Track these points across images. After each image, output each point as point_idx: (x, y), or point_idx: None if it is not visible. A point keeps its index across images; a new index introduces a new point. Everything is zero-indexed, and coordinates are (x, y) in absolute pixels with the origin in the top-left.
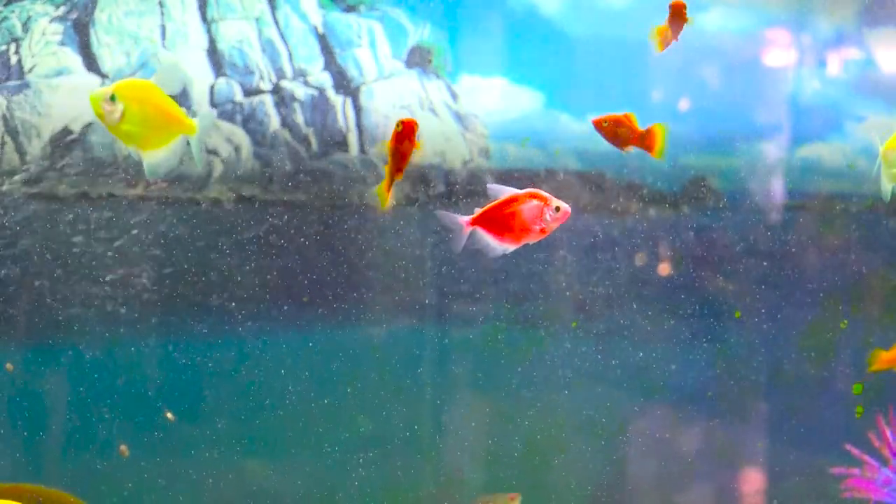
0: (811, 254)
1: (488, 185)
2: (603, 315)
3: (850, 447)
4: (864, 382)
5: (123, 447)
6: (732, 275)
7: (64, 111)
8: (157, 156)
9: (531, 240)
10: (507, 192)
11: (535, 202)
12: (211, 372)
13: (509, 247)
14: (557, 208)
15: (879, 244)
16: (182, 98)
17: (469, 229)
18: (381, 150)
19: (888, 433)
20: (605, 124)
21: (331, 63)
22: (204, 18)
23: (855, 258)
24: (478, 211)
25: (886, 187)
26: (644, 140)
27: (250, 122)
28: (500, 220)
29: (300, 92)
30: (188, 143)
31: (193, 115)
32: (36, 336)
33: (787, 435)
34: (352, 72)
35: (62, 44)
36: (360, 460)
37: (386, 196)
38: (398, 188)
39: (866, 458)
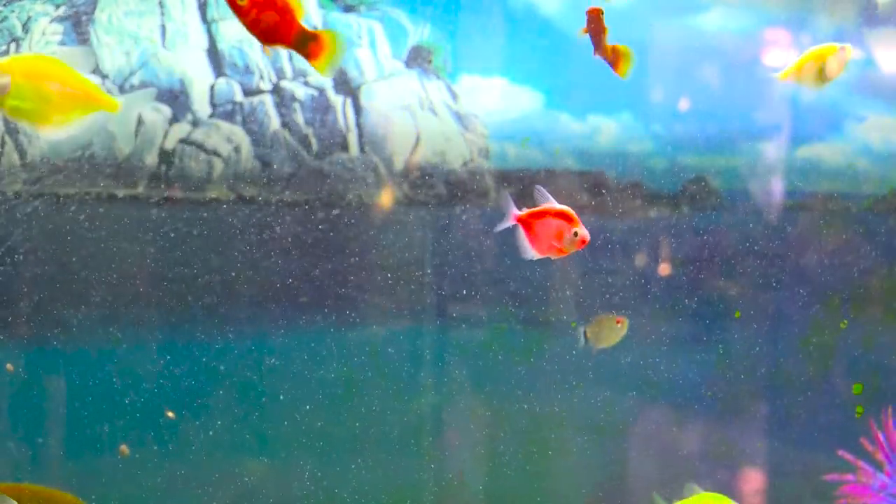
0: (811, 254)
1: (536, 186)
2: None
3: (843, 453)
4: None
5: (124, 447)
6: (732, 274)
7: None
8: (59, 133)
9: (551, 254)
10: (548, 202)
11: (562, 221)
12: (210, 372)
13: (536, 255)
14: (576, 233)
15: (879, 244)
16: (182, 98)
17: (513, 223)
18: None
19: (882, 437)
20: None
21: None
22: (204, 18)
23: (855, 258)
24: (525, 210)
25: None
26: (611, 56)
27: (250, 122)
28: (534, 226)
29: (300, 92)
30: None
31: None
32: (36, 336)
33: (786, 436)
34: (352, 72)
35: (62, 44)
36: (361, 460)
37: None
38: (398, 188)
39: (860, 463)
